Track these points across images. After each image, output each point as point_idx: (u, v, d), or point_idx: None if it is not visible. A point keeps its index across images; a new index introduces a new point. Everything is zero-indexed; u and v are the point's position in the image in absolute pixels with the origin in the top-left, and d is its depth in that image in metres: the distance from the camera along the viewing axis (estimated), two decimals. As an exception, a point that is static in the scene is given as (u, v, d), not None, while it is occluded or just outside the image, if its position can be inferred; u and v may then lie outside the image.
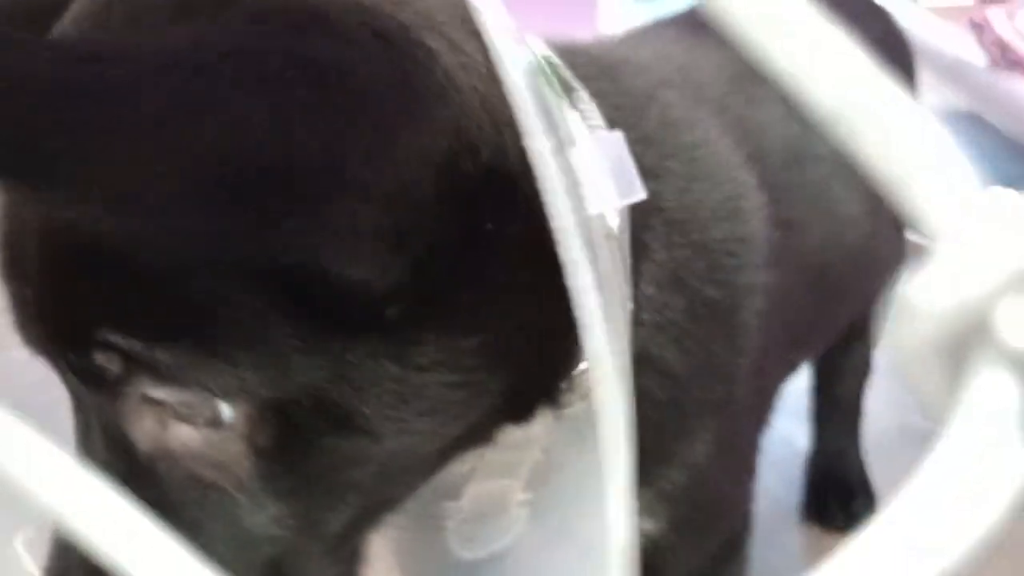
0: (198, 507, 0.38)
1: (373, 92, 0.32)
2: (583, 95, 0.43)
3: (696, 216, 0.51)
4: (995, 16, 1.26)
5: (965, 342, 0.17)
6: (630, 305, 0.44)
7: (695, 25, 0.68)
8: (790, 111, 0.63)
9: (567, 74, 0.42)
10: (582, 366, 0.43)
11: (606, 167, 0.39)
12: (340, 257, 0.33)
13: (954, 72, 1.30)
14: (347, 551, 0.43)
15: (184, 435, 0.37)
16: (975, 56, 1.30)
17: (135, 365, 0.35)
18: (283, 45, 0.30)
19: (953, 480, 0.16)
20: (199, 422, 0.37)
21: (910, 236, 0.84)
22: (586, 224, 0.34)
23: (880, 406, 1.03)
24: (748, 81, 0.64)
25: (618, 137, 0.42)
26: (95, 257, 0.34)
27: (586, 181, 0.36)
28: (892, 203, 0.17)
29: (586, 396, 0.44)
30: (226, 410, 0.36)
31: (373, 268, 0.34)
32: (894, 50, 0.84)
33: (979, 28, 1.31)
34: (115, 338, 0.34)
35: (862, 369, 0.99)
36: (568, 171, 0.34)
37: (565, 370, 0.43)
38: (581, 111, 0.41)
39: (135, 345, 0.34)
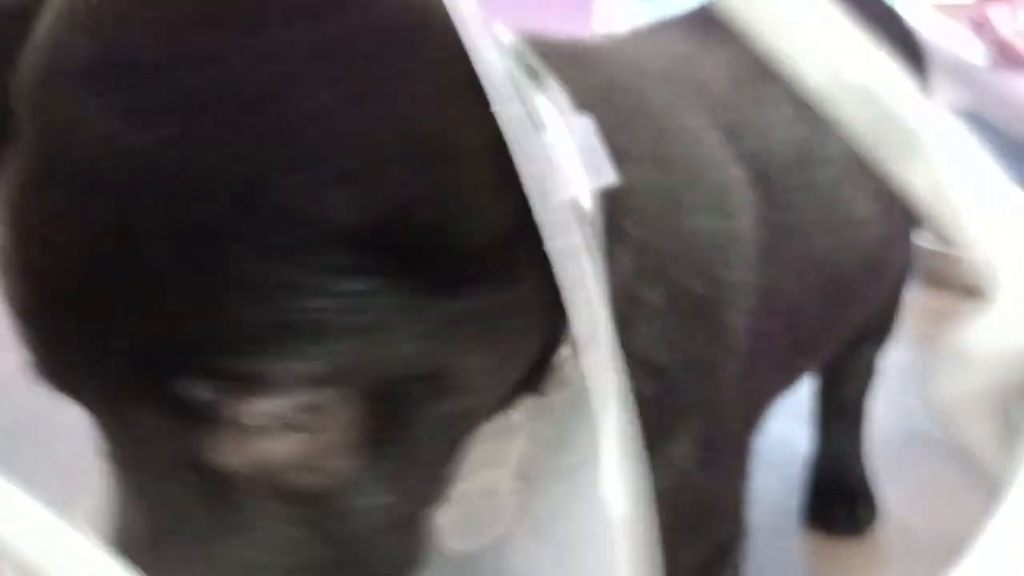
0: (289, 523, 0.37)
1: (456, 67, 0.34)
2: (550, 82, 0.43)
3: (680, 206, 0.50)
4: (996, 15, 1.25)
5: (1022, 391, 0.16)
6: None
7: (703, 24, 0.67)
8: (799, 112, 0.62)
9: (532, 60, 0.42)
10: (563, 351, 0.43)
11: (576, 149, 0.39)
12: (462, 213, 0.35)
13: (955, 71, 1.30)
14: (423, 530, 0.42)
15: (278, 446, 0.36)
16: (976, 55, 1.30)
17: (230, 384, 0.34)
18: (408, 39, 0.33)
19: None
20: (296, 427, 0.35)
21: (919, 241, 0.83)
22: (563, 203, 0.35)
23: (884, 410, 1.03)
24: (755, 81, 0.63)
25: (587, 122, 0.42)
26: (177, 275, 0.32)
27: (557, 163, 0.37)
28: (953, 244, 0.16)
29: (564, 383, 0.44)
30: (325, 403, 0.35)
31: (482, 220, 0.36)
32: (907, 56, 0.83)
33: (979, 27, 1.30)
34: (211, 361, 0.33)
35: (867, 373, 0.98)
36: (542, 151, 0.35)
37: (548, 354, 0.43)
38: (548, 96, 0.41)
39: (234, 362, 0.33)
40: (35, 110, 0.34)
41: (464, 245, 0.36)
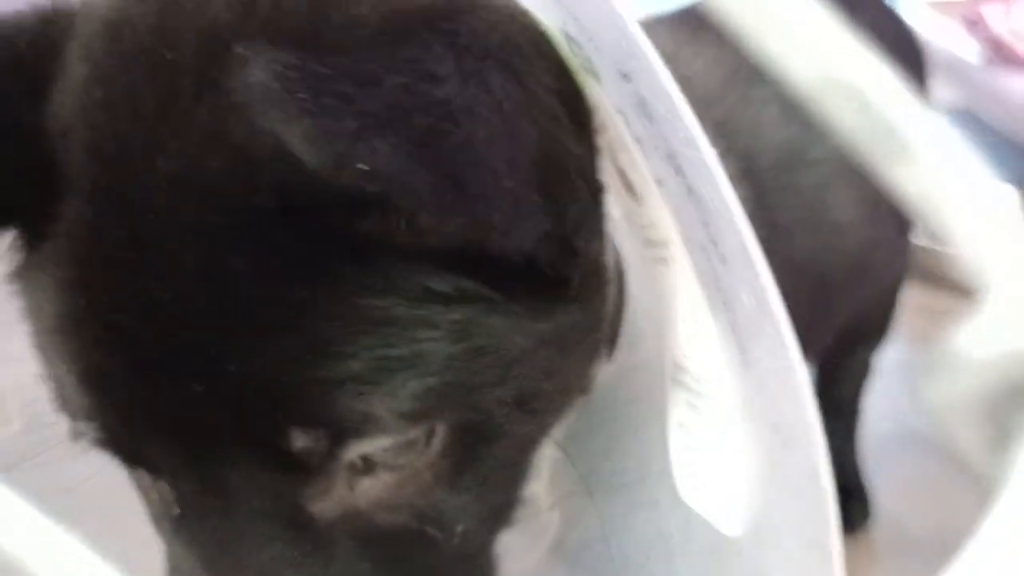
0: (376, 564, 0.36)
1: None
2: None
3: None
4: (990, 13, 1.25)
5: (1015, 395, 0.16)
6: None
7: (695, 22, 0.67)
8: (788, 114, 0.62)
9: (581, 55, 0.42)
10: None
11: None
12: (561, 237, 0.35)
13: (949, 69, 1.30)
14: (494, 555, 0.42)
15: (373, 487, 0.35)
16: (970, 52, 1.30)
17: (342, 429, 0.32)
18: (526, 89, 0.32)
19: (1017, 538, 0.15)
20: (391, 465, 0.34)
21: (916, 240, 0.83)
22: None
23: (877, 408, 1.03)
24: (745, 81, 0.63)
25: None
26: (284, 320, 0.31)
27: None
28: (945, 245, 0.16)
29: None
30: (420, 437, 0.35)
31: (576, 242, 0.36)
32: (906, 55, 0.83)
33: (973, 24, 1.30)
34: (323, 407, 0.31)
35: (862, 372, 0.98)
36: None
37: None
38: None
39: (347, 405, 0.32)
40: (104, 152, 0.32)
41: (559, 267, 0.35)
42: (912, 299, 0.97)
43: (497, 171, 0.29)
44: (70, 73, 0.33)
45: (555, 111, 0.33)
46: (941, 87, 1.34)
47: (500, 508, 0.40)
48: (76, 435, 0.35)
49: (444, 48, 0.29)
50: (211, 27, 0.31)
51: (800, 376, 0.30)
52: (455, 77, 0.28)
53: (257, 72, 0.26)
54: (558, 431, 0.43)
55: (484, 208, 0.29)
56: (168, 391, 0.32)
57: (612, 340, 0.43)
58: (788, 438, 0.32)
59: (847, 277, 0.70)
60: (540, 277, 0.34)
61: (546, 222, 0.32)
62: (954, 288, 1.27)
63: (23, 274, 0.36)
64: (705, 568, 0.39)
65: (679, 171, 0.31)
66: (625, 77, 0.30)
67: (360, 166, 0.26)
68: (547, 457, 0.45)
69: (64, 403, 0.35)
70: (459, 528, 0.37)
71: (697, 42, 0.65)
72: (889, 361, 1.00)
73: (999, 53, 1.26)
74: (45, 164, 0.32)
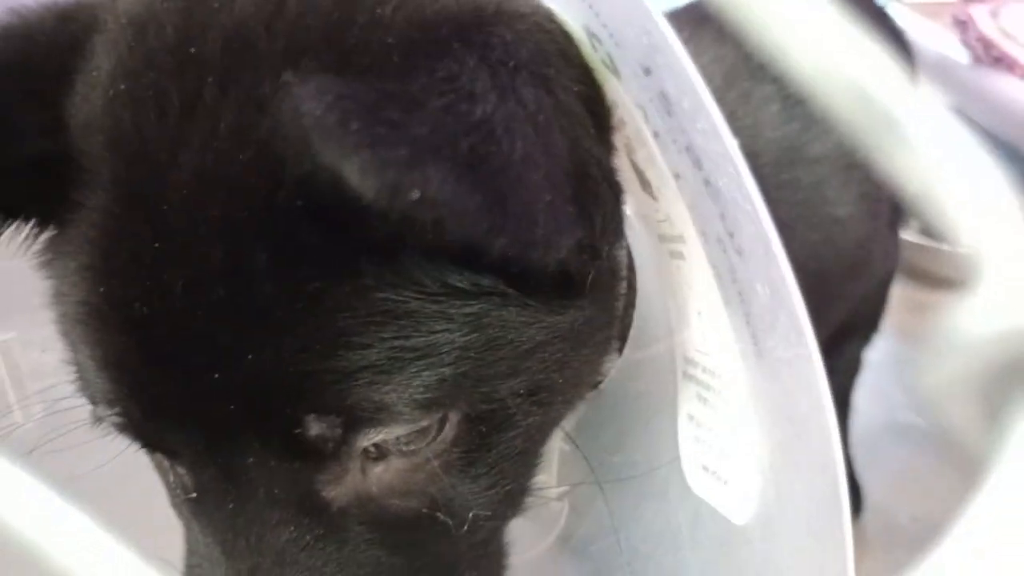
0: (387, 550, 0.37)
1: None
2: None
3: None
4: (978, 13, 1.26)
5: (1009, 373, 0.17)
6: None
7: (695, 20, 0.68)
8: (787, 112, 0.63)
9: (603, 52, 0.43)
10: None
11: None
12: (580, 234, 0.36)
13: (937, 69, 1.31)
14: (505, 542, 0.43)
15: (386, 473, 0.36)
16: (958, 53, 1.31)
17: (357, 417, 0.33)
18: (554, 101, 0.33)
19: (1009, 515, 0.16)
20: (405, 452, 0.35)
21: (906, 236, 0.84)
22: None
23: (868, 402, 1.04)
24: (745, 78, 0.64)
25: None
26: (300, 311, 0.31)
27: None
28: (937, 226, 0.16)
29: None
30: (434, 425, 0.35)
31: (597, 239, 0.37)
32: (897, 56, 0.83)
33: (962, 25, 1.31)
34: (339, 396, 0.32)
35: (854, 367, 0.99)
36: None
37: None
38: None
39: (363, 394, 0.32)
40: (128, 146, 0.32)
41: (582, 268, 0.36)
42: (901, 294, 0.98)
43: (537, 186, 0.29)
44: (93, 68, 0.33)
45: (581, 116, 0.33)
46: (930, 88, 1.34)
47: (511, 496, 0.40)
48: (96, 419, 0.36)
49: (478, 62, 0.29)
50: (238, 24, 0.32)
51: (817, 366, 0.30)
52: (492, 94, 0.28)
53: (309, 103, 0.26)
54: (568, 423, 0.43)
55: (527, 226, 0.29)
56: (185, 379, 0.33)
57: (623, 334, 0.44)
58: (802, 429, 0.33)
59: (845, 272, 0.71)
60: (563, 277, 0.35)
61: (579, 231, 0.33)
62: (941, 283, 1.28)
63: (49, 260, 0.36)
64: (714, 559, 0.40)
65: (697, 164, 0.31)
66: (647, 71, 0.31)
67: (413, 195, 0.26)
68: (556, 448, 0.46)
69: (85, 387, 0.36)
70: (470, 515, 0.38)
71: (698, 40, 0.66)
72: (878, 355, 1.01)
73: (988, 53, 1.27)
74: (61, 156, 0.33)
